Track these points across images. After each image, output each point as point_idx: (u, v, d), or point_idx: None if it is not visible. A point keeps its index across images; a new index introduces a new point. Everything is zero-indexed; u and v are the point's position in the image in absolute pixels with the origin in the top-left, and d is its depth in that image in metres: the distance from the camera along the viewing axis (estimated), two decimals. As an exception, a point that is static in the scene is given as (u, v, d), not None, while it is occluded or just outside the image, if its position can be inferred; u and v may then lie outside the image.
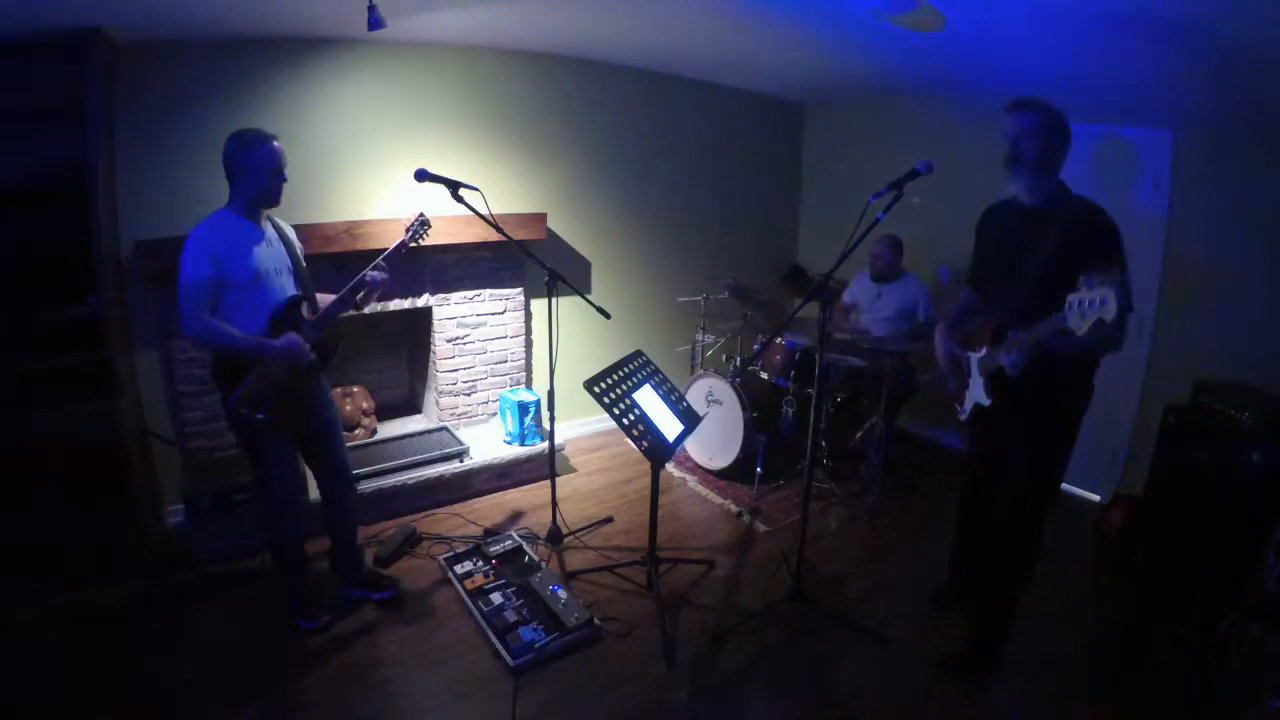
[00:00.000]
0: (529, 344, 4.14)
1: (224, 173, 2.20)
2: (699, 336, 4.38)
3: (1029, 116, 2.02)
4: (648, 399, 2.79)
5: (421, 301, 3.69)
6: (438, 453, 3.55)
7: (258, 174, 2.18)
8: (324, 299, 2.42)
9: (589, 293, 4.25)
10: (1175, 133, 3.16)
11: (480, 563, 2.92)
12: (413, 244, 2.51)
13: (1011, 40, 2.93)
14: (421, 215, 2.54)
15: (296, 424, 2.39)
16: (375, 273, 2.39)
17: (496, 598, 2.67)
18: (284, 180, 2.25)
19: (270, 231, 2.33)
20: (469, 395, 3.97)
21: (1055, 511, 2.27)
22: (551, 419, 3.15)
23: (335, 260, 3.19)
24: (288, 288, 2.33)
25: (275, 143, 2.20)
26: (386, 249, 2.47)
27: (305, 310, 2.36)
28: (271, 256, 2.28)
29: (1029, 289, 2.04)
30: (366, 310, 2.62)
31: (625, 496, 3.70)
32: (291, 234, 2.44)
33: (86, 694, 2.22)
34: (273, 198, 2.25)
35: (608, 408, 2.61)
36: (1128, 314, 1.86)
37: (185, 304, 2.11)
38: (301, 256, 2.43)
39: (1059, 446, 2.18)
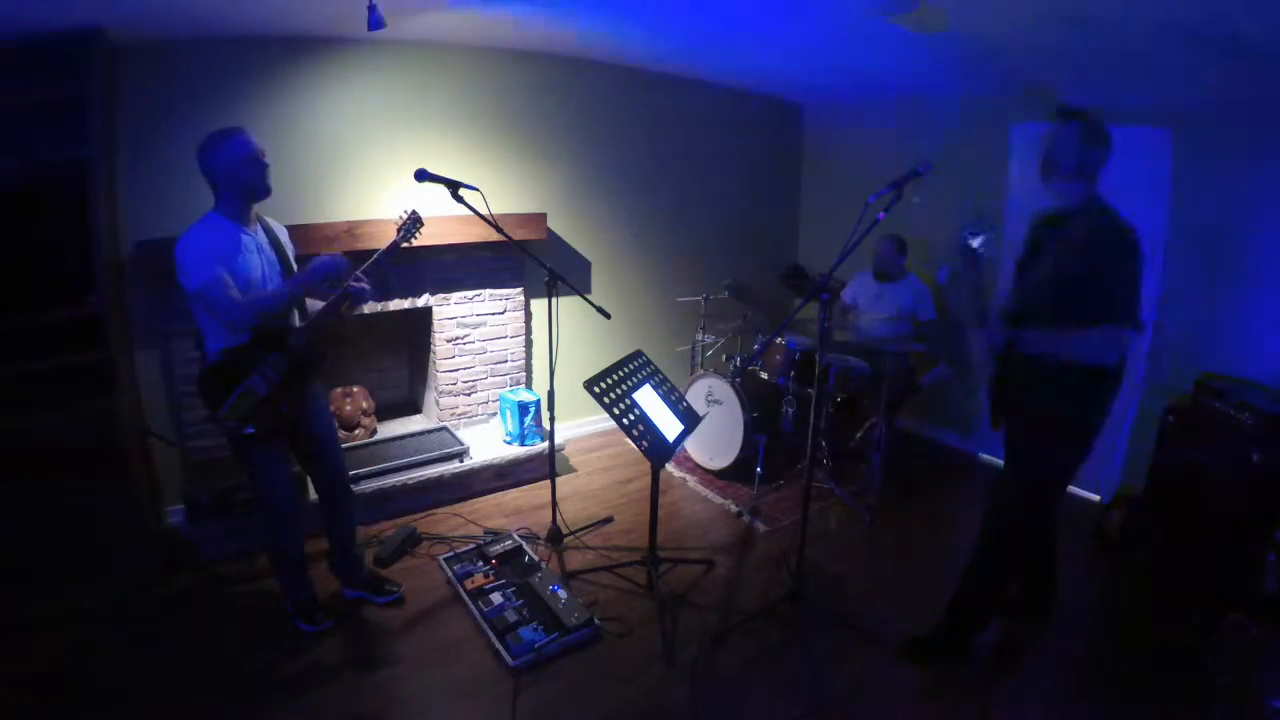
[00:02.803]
0: (529, 344, 4.14)
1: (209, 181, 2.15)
2: (699, 336, 4.38)
3: (1068, 127, 2.05)
4: (648, 399, 2.79)
5: (421, 301, 3.69)
6: (438, 453, 3.54)
7: (234, 168, 2.10)
8: (314, 305, 2.39)
9: (589, 293, 4.25)
10: (1175, 130, 3.16)
11: (480, 563, 2.92)
12: (404, 244, 2.46)
13: (1011, 40, 2.93)
14: (413, 213, 2.48)
15: (290, 427, 2.35)
16: (356, 284, 2.32)
17: (496, 598, 2.67)
18: (266, 166, 2.16)
19: (260, 236, 2.27)
20: (469, 395, 3.97)
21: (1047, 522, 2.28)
22: (551, 419, 3.15)
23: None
24: None
25: (243, 134, 2.13)
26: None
27: (294, 317, 2.32)
28: (260, 264, 2.22)
29: (1034, 288, 2.07)
30: (366, 310, 2.60)
31: (625, 496, 3.70)
32: (283, 236, 2.38)
33: (86, 694, 2.22)
34: (259, 187, 2.16)
35: (608, 408, 2.61)
36: (1127, 330, 1.93)
37: (216, 302, 2.06)
38: (293, 260, 2.37)
39: (1047, 457, 2.16)
